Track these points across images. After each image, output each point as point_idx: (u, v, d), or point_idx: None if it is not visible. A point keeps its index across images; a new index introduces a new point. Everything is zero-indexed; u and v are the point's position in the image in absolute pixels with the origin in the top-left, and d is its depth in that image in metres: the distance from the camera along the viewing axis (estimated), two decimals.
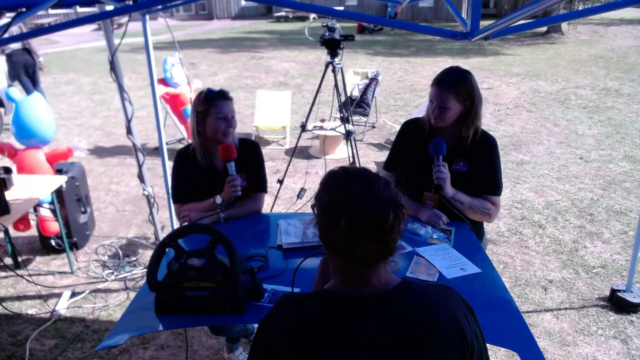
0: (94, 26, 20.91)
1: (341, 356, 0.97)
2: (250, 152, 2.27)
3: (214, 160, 2.22)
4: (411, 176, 2.14)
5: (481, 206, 2.04)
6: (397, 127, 2.26)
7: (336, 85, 3.66)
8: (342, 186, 1.03)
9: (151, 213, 3.66)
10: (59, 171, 3.68)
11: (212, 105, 2.11)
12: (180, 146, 2.76)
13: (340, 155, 5.75)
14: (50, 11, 21.25)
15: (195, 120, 2.16)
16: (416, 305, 1.02)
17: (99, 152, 6.25)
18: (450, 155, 2.01)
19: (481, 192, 2.06)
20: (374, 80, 6.82)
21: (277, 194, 4.00)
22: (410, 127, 2.18)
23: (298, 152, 5.31)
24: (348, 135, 3.67)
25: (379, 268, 1.03)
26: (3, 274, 3.52)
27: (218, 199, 2.09)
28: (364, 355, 0.97)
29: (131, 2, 2.57)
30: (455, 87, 1.93)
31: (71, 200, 3.70)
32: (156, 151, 5.49)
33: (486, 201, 2.06)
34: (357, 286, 1.03)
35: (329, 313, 1.01)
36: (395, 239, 1.02)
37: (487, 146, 2.06)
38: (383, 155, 5.82)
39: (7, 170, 3.08)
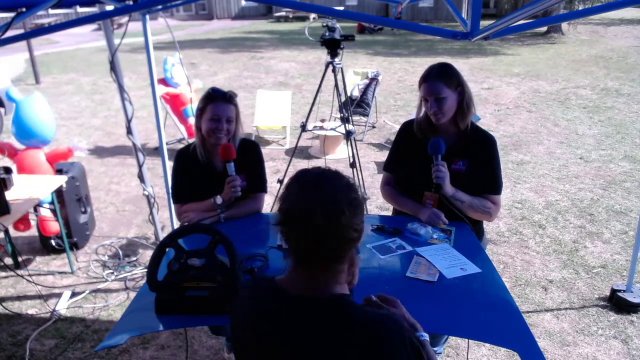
0: (94, 26, 20.91)
1: (257, 346, 1.06)
2: (249, 152, 2.27)
3: (214, 159, 2.22)
4: (411, 176, 2.15)
5: (481, 205, 2.04)
6: (397, 127, 2.26)
7: (336, 85, 3.66)
8: (295, 184, 1.06)
9: (151, 213, 3.66)
10: (59, 171, 3.68)
11: (210, 105, 2.12)
12: (180, 146, 2.76)
13: (340, 155, 5.75)
14: (50, 11, 21.26)
15: (196, 117, 2.18)
16: (346, 321, 1.00)
17: (99, 152, 6.25)
18: (449, 155, 2.01)
19: (481, 191, 2.06)
20: (374, 80, 6.82)
21: (277, 194, 3.99)
22: (409, 128, 2.18)
23: (298, 152, 5.31)
24: (348, 135, 3.67)
25: (329, 273, 1.05)
26: (3, 274, 3.52)
27: (218, 199, 2.09)
28: (274, 353, 1.03)
29: (131, 2, 2.57)
30: (443, 76, 1.96)
31: (71, 200, 3.69)
32: (156, 151, 5.49)
33: (486, 200, 2.06)
34: (304, 285, 1.05)
35: (269, 306, 1.07)
36: (339, 246, 1.02)
37: (486, 145, 2.06)
38: (383, 155, 5.82)
39: (7, 170, 3.08)
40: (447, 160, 2.01)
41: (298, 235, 1.01)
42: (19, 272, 3.41)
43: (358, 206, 1.04)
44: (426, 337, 1.19)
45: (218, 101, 2.12)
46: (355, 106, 6.56)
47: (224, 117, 2.11)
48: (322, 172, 1.08)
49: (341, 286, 1.07)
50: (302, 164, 5.55)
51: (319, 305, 1.03)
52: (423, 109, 2.07)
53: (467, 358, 2.60)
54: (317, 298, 1.03)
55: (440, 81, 1.95)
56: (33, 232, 3.81)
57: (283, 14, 26.58)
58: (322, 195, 1.01)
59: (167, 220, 4.00)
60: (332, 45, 3.45)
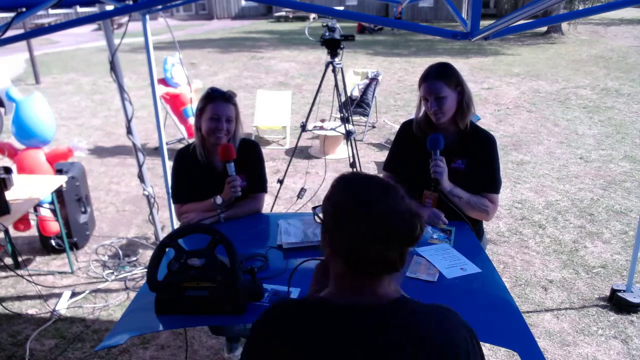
0: (94, 26, 20.91)
1: None
2: (250, 152, 2.27)
3: (214, 159, 2.22)
4: (411, 176, 2.15)
5: (479, 203, 2.04)
6: (397, 127, 2.27)
7: (336, 85, 3.66)
8: (363, 190, 0.98)
9: (151, 213, 3.66)
10: (59, 171, 3.68)
11: (209, 104, 2.12)
12: (180, 146, 2.76)
13: (340, 155, 5.75)
14: (50, 11, 21.26)
15: (195, 117, 2.18)
16: (413, 322, 0.97)
17: (99, 152, 6.25)
18: (448, 154, 2.02)
19: (480, 190, 2.06)
20: (374, 80, 6.82)
21: (277, 194, 4.00)
22: (409, 128, 2.18)
23: (298, 152, 5.31)
24: (348, 135, 3.67)
25: (384, 279, 1.00)
26: (3, 274, 3.52)
27: (218, 200, 2.09)
28: None
29: (131, 2, 2.57)
30: (443, 76, 1.97)
31: (71, 200, 3.69)
32: (156, 151, 5.49)
33: (485, 198, 2.06)
34: (358, 295, 0.99)
35: (320, 323, 0.96)
36: (408, 252, 0.99)
37: (486, 144, 2.06)
38: (383, 155, 5.82)
39: (7, 170, 3.08)
40: (447, 159, 2.01)
41: (393, 246, 0.94)
42: (19, 272, 3.41)
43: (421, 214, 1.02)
44: None
45: (217, 101, 2.12)
46: (355, 106, 6.56)
47: (224, 117, 2.12)
48: (376, 177, 1.04)
49: (393, 287, 1.03)
50: (302, 164, 5.55)
51: (395, 307, 0.98)
52: (422, 109, 2.08)
53: None
54: (392, 302, 0.99)
55: (440, 80, 1.96)
56: (33, 232, 3.81)
57: (283, 14, 26.57)
58: (404, 202, 0.97)
59: (167, 220, 4.00)
60: (332, 45, 3.45)
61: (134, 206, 4.65)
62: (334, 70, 3.54)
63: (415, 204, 1.02)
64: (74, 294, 3.25)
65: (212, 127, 2.11)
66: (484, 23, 1.59)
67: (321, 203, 1.07)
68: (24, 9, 1.98)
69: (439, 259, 1.80)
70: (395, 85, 9.88)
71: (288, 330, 0.97)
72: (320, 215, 1.06)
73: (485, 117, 7.28)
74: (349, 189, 1.00)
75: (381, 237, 0.93)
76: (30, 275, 3.39)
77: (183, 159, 2.24)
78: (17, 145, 3.71)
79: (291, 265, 1.79)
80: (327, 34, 3.42)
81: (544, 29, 17.18)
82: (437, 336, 0.95)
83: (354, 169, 3.67)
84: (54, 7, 2.01)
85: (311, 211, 1.15)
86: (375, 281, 0.99)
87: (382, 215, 0.93)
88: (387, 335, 0.94)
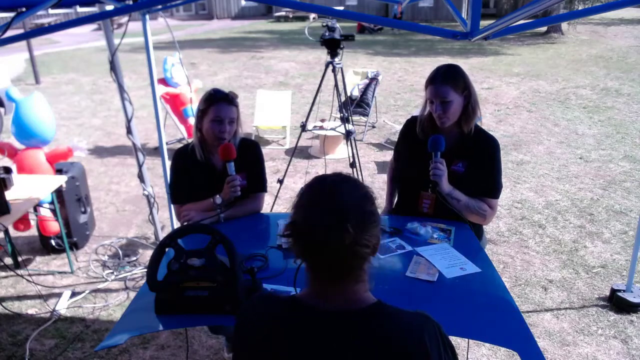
0: (94, 26, 20.91)
1: None
2: (250, 151, 2.26)
3: (213, 158, 2.22)
4: (410, 176, 2.14)
5: (478, 207, 2.03)
6: (397, 127, 2.27)
7: (336, 85, 3.66)
8: (304, 193, 1.03)
9: (151, 213, 3.66)
10: (59, 171, 3.68)
11: (212, 106, 2.11)
12: (180, 146, 2.77)
13: (340, 155, 5.75)
14: (50, 11, 21.26)
15: (196, 118, 2.18)
16: (385, 329, 0.96)
17: (99, 152, 6.25)
18: (449, 155, 2.01)
19: (479, 194, 2.04)
20: (374, 80, 6.82)
21: (277, 194, 4.00)
22: (413, 126, 2.17)
23: (298, 152, 5.31)
24: (348, 135, 3.67)
25: (349, 285, 1.00)
26: (3, 274, 3.52)
27: (218, 199, 2.09)
28: None
29: (131, 2, 2.57)
30: (450, 79, 1.94)
31: (71, 200, 3.70)
32: (156, 151, 5.49)
33: (483, 203, 2.04)
34: (324, 299, 1.00)
35: (290, 321, 1.00)
36: (353, 260, 0.97)
37: (488, 148, 2.04)
38: (383, 155, 5.82)
39: (7, 170, 3.08)
40: (447, 161, 2.00)
41: (309, 250, 0.98)
42: (19, 272, 3.41)
43: (369, 221, 0.97)
44: None
45: (220, 103, 2.11)
46: (355, 106, 6.55)
47: (227, 119, 2.11)
48: (337, 182, 1.02)
49: (366, 293, 1.02)
50: (302, 164, 5.55)
51: (368, 312, 0.98)
52: (427, 108, 2.06)
53: (467, 358, 2.60)
54: (364, 308, 0.98)
55: (447, 84, 1.93)
56: (33, 232, 3.81)
57: (283, 14, 26.57)
58: (331, 209, 0.96)
59: (167, 220, 4.00)
60: (332, 45, 3.45)
61: (134, 206, 4.65)
62: (333, 70, 3.54)
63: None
64: (74, 294, 3.25)
65: (216, 131, 2.10)
66: (484, 23, 1.59)
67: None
68: (24, 9, 1.98)
69: (438, 258, 1.80)
70: (395, 85, 9.88)
71: (259, 323, 1.03)
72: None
73: (485, 117, 7.28)
74: (301, 193, 1.04)
75: (295, 238, 0.99)
76: (30, 275, 3.39)
77: (181, 158, 2.23)
78: (17, 145, 3.71)
79: (291, 266, 1.79)
80: (327, 34, 3.42)
81: (544, 29, 17.18)
82: (402, 345, 0.94)
83: (353, 169, 3.67)
84: (54, 7, 2.01)
85: None
86: (340, 287, 1.00)
87: (298, 219, 0.99)
88: (351, 342, 0.95)
